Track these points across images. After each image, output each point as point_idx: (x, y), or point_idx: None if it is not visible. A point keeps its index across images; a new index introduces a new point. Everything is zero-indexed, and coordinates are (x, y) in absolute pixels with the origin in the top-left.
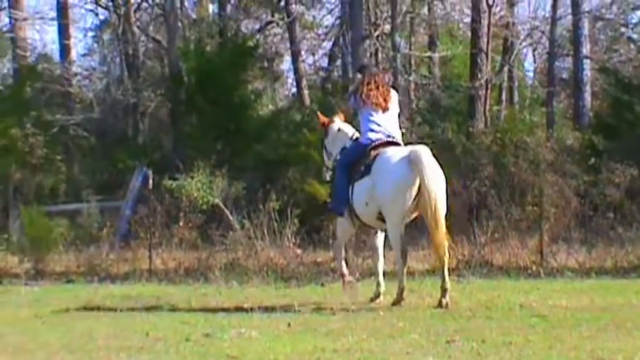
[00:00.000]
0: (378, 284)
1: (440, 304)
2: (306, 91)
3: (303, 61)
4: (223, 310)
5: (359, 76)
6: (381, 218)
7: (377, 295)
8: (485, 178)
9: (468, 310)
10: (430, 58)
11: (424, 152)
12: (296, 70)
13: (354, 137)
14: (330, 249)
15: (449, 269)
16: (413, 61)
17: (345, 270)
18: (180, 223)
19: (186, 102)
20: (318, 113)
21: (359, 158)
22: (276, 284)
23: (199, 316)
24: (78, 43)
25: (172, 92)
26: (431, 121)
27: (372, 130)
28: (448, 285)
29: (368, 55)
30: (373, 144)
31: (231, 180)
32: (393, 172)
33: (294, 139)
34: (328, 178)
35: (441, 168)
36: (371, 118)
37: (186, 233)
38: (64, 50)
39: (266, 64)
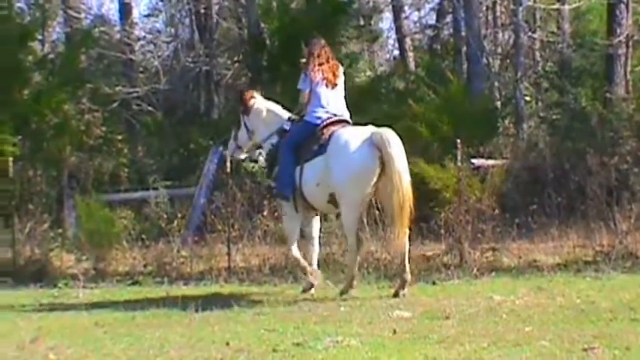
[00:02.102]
0: (311, 273)
1: (396, 295)
2: (410, 54)
3: (407, 17)
4: (316, 314)
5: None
6: (331, 202)
7: (310, 287)
8: (626, 154)
9: (609, 311)
10: (559, 11)
11: (390, 134)
12: (398, 29)
13: (290, 118)
14: (442, 240)
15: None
16: (538, 16)
17: (302, 261)
18: (264, 213)
19: (268, 69)
20: (241, 91)
21: (308, 138)
22: (378, 283)
23: (288, 323)
24: (140, 2)
25: (252, 58)
26: (560, 86)
27: (321, 107)
28: (408, 277)
29: (484, 9)
30: (323, 123)
31: None
32: (354, 154)
33: (396, 111)
34: (242, 157)
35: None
36: (319, 95)
37: (271, 224)
38: (124, 11)
39: (362, 23)
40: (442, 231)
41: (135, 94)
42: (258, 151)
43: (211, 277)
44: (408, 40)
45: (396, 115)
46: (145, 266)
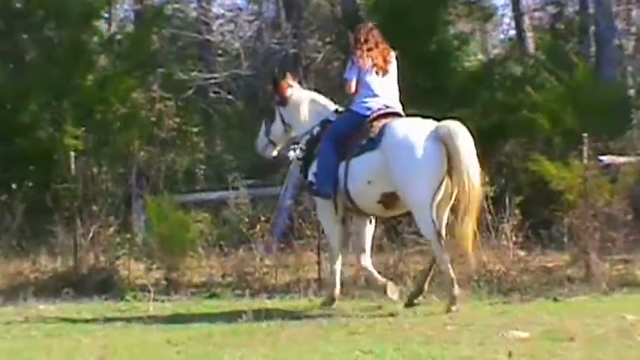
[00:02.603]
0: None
1: (447, 311)
2: (529, 34)
3: None
4: (420, 334)
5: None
6: (382, 202)
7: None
8: None
9: None
10: None
11: (458, 127)
12: (515, 6)
13: (337, 110)
14: (566, 250)
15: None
16: None
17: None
18: None
19: None
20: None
21: (354, 130)
22: (490, 298)
23: (386, 343)
24: None
25: (346, 39)
26: None
27: (370, 96)
28: (457, 292)
29: None
30: (373, 114)
31: None
32: (418, 149)
33: (513, 100)
34: (274, 154)
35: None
36: (368, 83)
37: None
38: None
39: None
40: (565, 239)
41: (213, 81)
42: (292, 147)
43: (299, 290)
44: (526, 18)
45: (512, 105)
46: (223, 276)
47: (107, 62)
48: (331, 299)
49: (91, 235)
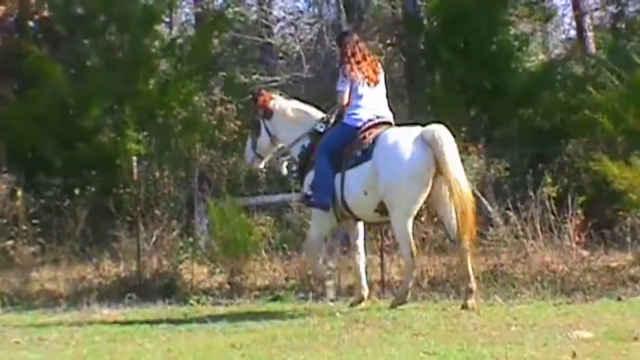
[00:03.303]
0: (362, 288)
1: (465, 307)
2: (590, 34)
3: None
4: (483, 335)
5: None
6: (379, 210)
7: (360, 300)
8: None
9: None
10: None
11: (442, 131)
12: (575, 6)
13: (323, 119)
14: (629, 250)
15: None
16: None
17: (322, 273)
18: (422, 218)
19: (426, 54)
20: (252, 96)
21: (348, 142)
22: (554, 299)
23: (451, 344)
24: None
25: (407, 41)
26: None
27: (361, 107)
28: (474, 285)
29: None
30: (365, 125)
31: (490, 158)
32: (405, 155)
33: (574, 101)
34: (261, 166)
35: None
36: (359, 95)
37: (431, 231)
38: None
39: None
40: (628, 238)
41: (274, 83)
42: (281, 160)
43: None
44: (587, 18)
45: (574, 105)
46: (286, 280)
47: (168, 66)
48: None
49: (153, 239)
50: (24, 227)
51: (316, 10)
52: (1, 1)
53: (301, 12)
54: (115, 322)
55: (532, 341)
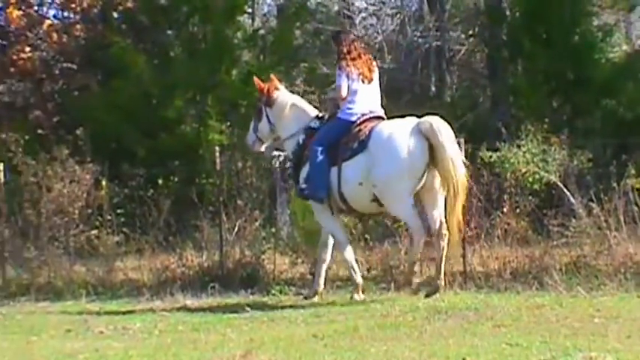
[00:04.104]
0: (318, 284)
1: (427, 296)
2: None
3: None
4: (566, 326)
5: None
6: (375, 200)
7: (314, 294)
8: None
9: None
10: None
11: (439, 122)
12: None
13: (318, 116)
14: None
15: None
16: None
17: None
18: (504, 209)
19: (508, 44)
20: (255, 78)
21: (343, 136)
22: (638, 290)
23: (533, 336)
24: None
25: (490, 32)
26: None
27: (356, 103)
28: (442, 283)
29: None
30: (359, 119)
31: (573, 149)
32: (401, 146)
33: None
34: (262, 150)
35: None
36: (354, 90)
37: (513, 222)
38: None
39: None
40: None
41: None
42: (276, 153)
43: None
44: None
45: None
46: (368, 270)
47: (251, 57)
48: (357, 289)
49: (236, 229)
50: (108, 217)
51: (398, 2)
52: None
53: (383, 3)
54: (198, 312)
55: (615, 333)
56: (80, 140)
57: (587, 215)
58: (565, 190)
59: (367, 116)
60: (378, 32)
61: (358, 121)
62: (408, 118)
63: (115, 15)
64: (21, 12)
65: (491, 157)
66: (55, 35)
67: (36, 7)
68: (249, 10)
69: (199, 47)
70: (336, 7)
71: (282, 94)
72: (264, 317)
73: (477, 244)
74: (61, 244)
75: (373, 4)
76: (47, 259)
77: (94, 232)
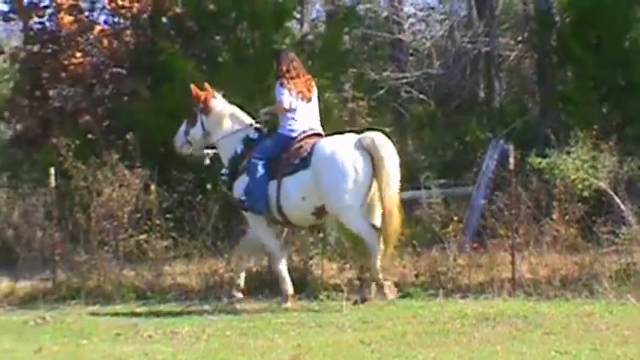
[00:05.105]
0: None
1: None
2: None
3: None
4: (616, 334)
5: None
6: (316, 214)
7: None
8: None
9: None
10: None
11: (380, 137)
12: None
13: (256, 128)
14: None
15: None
16: None
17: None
18: (554, 216)
19: (558, 50)
20: (192, 85)
21: (283, 151)
22: None
23: (582, 344)
24: None
25: (539, 37)
26: None
27: (295, 120)
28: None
29: None
30: (299, 136)
31: (623, 155)
32: (345, 162)
33: None
34: (189, 152)
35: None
36: (294, 108)
37: (562, 230)
38: None
39: None
40: None
41: (404, 80)
42: (206, 152)
43: (493, 290)
44: None
45: None
46: (416, 276)
47: None
48: (286, 298)
49: (284, 235)
50: (157, 221)
51: (447, 7)
52: None
53: (432, 8)
54: (246, 317)
55: None
56: (130, 145)
57: (638, 222)
58: (615, 197)
59: (307, 133)
60: (426, 38)
61: (298, 138)
62: (348, 135)
63: (164, 20)
64: (72, 17)
65: (540, 163)
66: (105, 41)
67: (87, 13)
68: (298, 16)
69: (247, 53)
70: (384, 13)
71: (220, 104)
72: (312, 323)
73: (526, 251)
74: (110, 249)
75: (422, 10)
76: (97, 263)
77: (143, 236)
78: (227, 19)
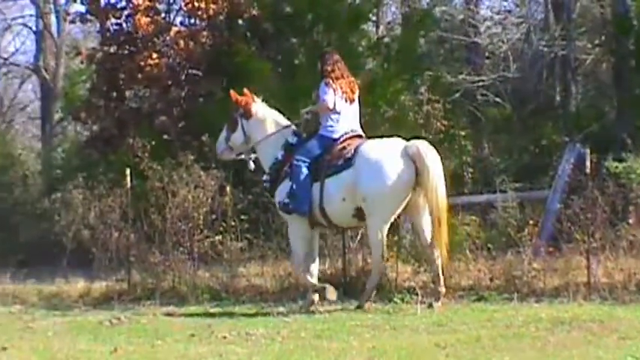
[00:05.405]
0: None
1: (429, 306)
2: None
3: None
4: None
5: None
6: (356, 216)
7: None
8: None
9: None
10: None
11: (426, 146)
12: None
13: (295, 132)
14: None
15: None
16: None
17: (310, 280)
18: (630, 221)
19: (635, 54)
20: (231, 91)
21: (325, 152)
22: None
23: None
24: None
25: (616, 41)
26: None
27: (338, 122)
28: (443, 290)
29: None
30: (342, 137)
31: None
32: (389, 166)
33: None
34: (231, 157)
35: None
36: (337, 109)
37: (639, 234)
38: None
39: None
40: None
41: (480, 83)
42: (250, 157)
43: (568, 294)
44: None
45: None
46: (491, 280)
47: (375, 65)
48: (309, 303)
49: (359, 237)
50: (232, 223)
51: (523, 10)
52: (213, 1)
53: (509, 11)
54: (320, 319)
55: None
56: (205, 146)
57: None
58: None
59: (349, 135)
60: (503, 41)
61: (341, 139)
62: (394, 139)
63: (240, 22)
64: (149, 19)
65: (616, 167)
66: (181, 42)
67: (163, 14)
68: (374, 18)
69: None
70: (460, 16)
71: (260, 108)
72: (387, 325)
73: (602, 255)
74: (185, 249)
75: (499, 13)
76: (172, 264)
77: (218, 237)
78: (303, 21)
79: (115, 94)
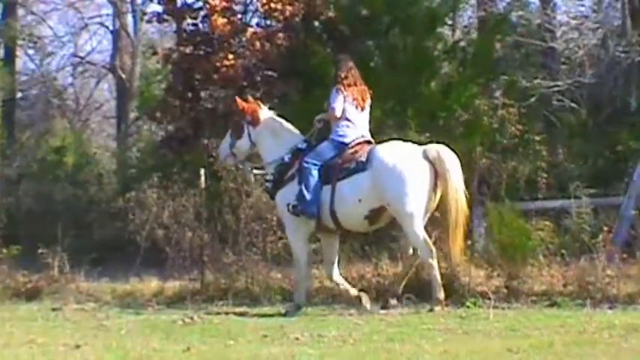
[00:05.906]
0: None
1: (430, 310)
2: None
3: None
4: None
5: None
6: (368, 217)
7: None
8: None
9: None
10: None
11: (445, 150)
12: None
13: (306, 140)
14: None
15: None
16: None
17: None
18: None
19: None
20: (237, 98)
21: (336, 156)
22: None
23: None
24: None
25: None
26: None
27: (349, 127)
28: (441, 295)
29: None
30: (353, 142)
31: None
32: (413, 169)
33: None
34: (233, 163)
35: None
36: (348, 115)
37: None
38: None
39: None
40: None
41: (556, 88)
42: (248, 168)
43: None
44: None
45: None
46: (564, 286)
47: (450, 69)
48: (297, 307)
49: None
50: None
51: (600, 16)
52: (290, 2)
53: (586, 17)
54: (393, 322)
55: None
56: None
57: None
58: None
59: (359, 140)
60: (579, 46)
61: (352, 144)
62: (406, 143)
63: (316, 24)
64: (225, 20)
65: None
66: (257, 43)
67: (239, 15)
68: (450, 22)
69: (399, 58)
70: (537, 21)
71: (268, 115)
72: (459, 330)
73: None
74: (258, 250)
75: (575, 18)
76: (245, 264)
77: None
78: (379, 23)
79: (190, 94)
